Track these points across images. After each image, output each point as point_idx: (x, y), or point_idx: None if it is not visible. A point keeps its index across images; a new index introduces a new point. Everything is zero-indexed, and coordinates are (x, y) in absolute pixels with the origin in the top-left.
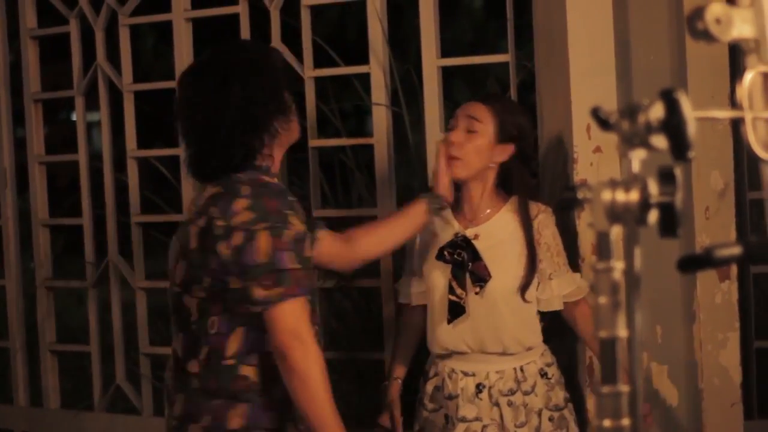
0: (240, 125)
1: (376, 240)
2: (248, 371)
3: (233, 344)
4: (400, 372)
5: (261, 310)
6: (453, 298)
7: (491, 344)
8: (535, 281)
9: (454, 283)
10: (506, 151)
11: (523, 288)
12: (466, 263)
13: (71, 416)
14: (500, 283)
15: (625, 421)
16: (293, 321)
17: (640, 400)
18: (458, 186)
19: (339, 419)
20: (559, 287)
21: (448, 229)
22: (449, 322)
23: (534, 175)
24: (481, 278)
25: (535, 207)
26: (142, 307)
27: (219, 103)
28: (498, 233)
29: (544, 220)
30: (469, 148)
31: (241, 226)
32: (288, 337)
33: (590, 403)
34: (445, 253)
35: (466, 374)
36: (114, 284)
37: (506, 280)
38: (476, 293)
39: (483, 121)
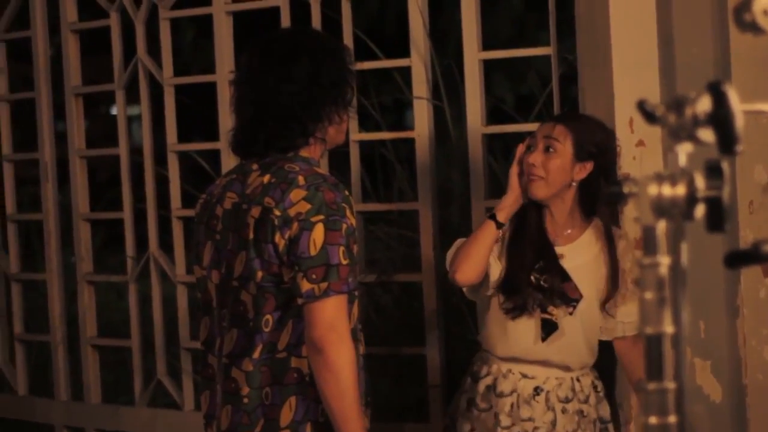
0: (299, 99)
1: None
2: (299, 363)
3: (284, 338)
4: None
5: (303, 303)
6: (545, 316)
7: (574, 361)
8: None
9: (545, 303)
10: (585, 169)
11: (603, 306)
12: (556, 287)
13: (112, 411)
14: (586, 304)
15: (672, 418)
16: (333, 316)
17: (686, 396)
18: (540, 206)
19: (363, 419)
20: (629, 315)
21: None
22: (543, 339)
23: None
24: (573, 299)
25: (618, 231)
26: (182, 301)
27: (283, 74)
28: (583, 255)
29: (626, 247)
30: (549, 167)
31: (297, 216)
32: (326, 332)
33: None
34: (533, 278)
35: (525, 376)
36: (154, 278)
37: (592, 300)
38: (570, 314)
39: (561, 141)
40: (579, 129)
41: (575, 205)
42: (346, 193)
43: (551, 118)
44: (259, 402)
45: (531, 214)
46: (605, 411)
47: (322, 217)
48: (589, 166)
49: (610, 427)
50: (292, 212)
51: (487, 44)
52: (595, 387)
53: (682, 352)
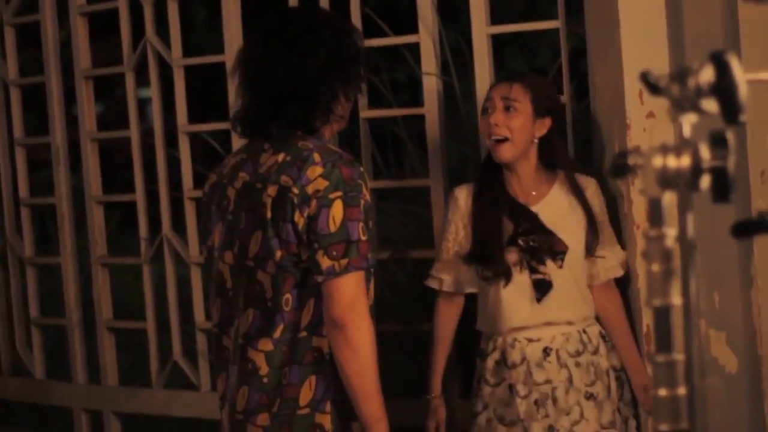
0: (321, 75)
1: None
2: (319, 342)
3: (306, 317)
4: (440, 387)
5: (323, 280)
6: (537, 276)
7: (574, 314)
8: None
9: (533, 263)
10: (545, 125)
11: (589, 252)
12: (544, 244)
13: (129, 393)
14: (573, 255)
15: (681, 390)
16: (353, 293)
17: (695, 368)
18: (500, 169)
19: (382, 396)
20: (608, 260)
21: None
22: (539, 300)
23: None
24: (560, 251)
25: (583, 179)
26: (197, 282)
27: (306, 49)
28: (557, 208)
29: (595, 191)
30: (513, 126)
31: (315, 194)
32: (347, 309)
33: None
34: (520, 241)
35: (530, 340)
36: (168, 260)
37: (577, 250)
38: (559, 267)
39: (519, 99)
40: (535, 85)
41: (538, 164)
42: (362, 169)
43: (504, 79)
44: (278, 382)
45: (494, 180)
46: (616, 360)
47: (340, 193)
48: (548, 122)
49: (623, 374)
50: (310, 189)
51: (501, 19)
52: (603, 336)
53: (691, 323)
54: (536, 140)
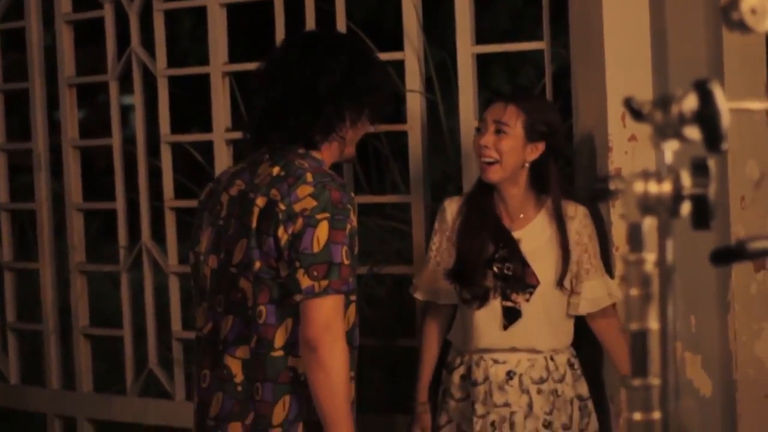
0: (332, 93)
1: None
2: (295, 362)
3: (281, 335)
4: (425, 394)
5: (301, 299)
6: (508, 303)
7: (540, 344)
8: (568, 283)
9: (506, 291)
10: (537, 150)
11: (560, 285)
12: (518, 274)
13: (104, 400)
14: (545, 287)
15: (656, 415)
16: (329, 315)
17: (671, 393)
18: (491, 189)
19: (352, 420)
20: (591, 290)
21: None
22: (506, 327)
23: (567, 171)
24: (530, 285)
25: (572, 207)
26: (174, 291)
27: (323, 64)
28: (539, 236)
29: (583, 220)
30: (502, 149)
31: (302, 212)
32: (321, 330)
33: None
34: (495, 268)
35: (496, 362)
36: (147, 268)
37: (549, 282)
38: (527, 300)
39: (512, 123)
40: (529, 109)
41: (528, 187)
42: (352, 194)
43: (501, 98)
44: (251, 393)
45: (483, 200)
46: (583, 389)
47: (327, 214)
48: (540, 147)
49: (590, 404)
50: (297, 207)
51: (486, 38)
52: (571, 365)
53: (668, 349)
54: (527, 164)
